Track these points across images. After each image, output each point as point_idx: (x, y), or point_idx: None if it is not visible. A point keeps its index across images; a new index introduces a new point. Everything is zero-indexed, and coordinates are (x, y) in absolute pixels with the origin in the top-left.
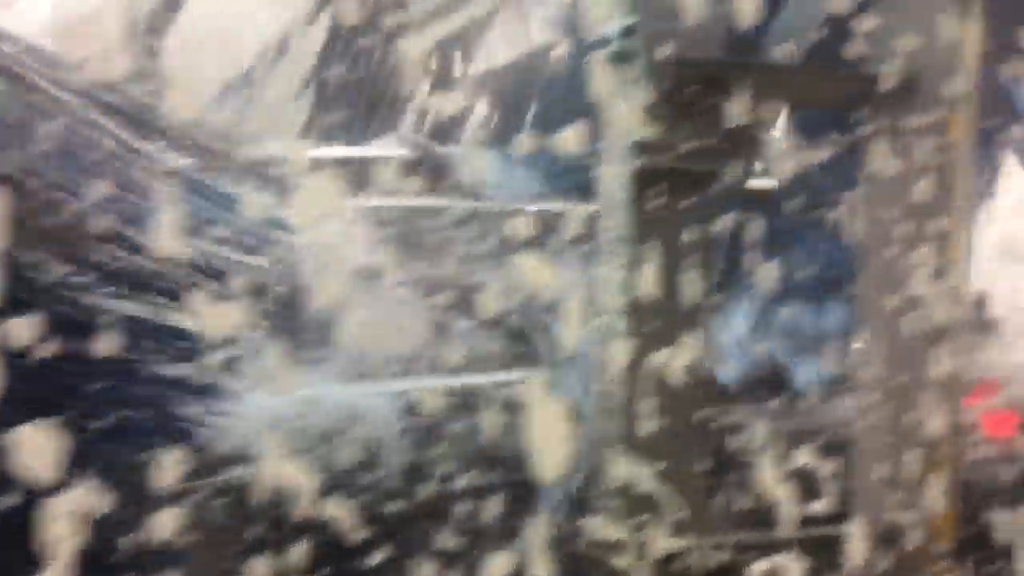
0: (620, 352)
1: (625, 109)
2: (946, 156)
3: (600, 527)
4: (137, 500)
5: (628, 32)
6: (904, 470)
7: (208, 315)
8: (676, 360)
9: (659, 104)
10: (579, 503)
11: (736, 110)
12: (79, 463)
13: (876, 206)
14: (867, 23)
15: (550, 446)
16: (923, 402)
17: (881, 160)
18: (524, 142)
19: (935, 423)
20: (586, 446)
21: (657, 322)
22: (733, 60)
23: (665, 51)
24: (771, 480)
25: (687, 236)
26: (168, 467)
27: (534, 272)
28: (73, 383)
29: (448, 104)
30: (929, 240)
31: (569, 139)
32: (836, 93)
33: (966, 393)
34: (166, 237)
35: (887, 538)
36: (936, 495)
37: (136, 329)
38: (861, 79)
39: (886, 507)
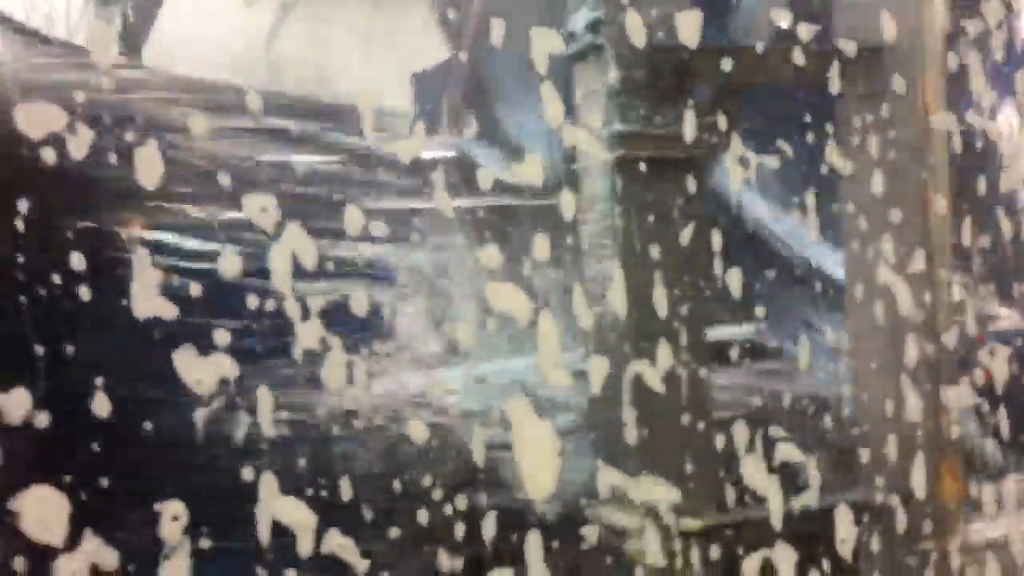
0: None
1: (598, 102)
2: (915, 139)
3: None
4: None
5: (594, 26)
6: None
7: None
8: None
9: (632, 94)
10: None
11: (708, 95)
12: None
13: (850, 199)
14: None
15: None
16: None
17: (849, 153)
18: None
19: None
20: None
21: (647, 317)
22: (702, 46)
23: (633, 41)
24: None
25: (673, 228)
26: None
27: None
28: None
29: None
30: (903, 228)
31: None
32: (803, 69)
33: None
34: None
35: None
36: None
37: None
38: (826, 55)
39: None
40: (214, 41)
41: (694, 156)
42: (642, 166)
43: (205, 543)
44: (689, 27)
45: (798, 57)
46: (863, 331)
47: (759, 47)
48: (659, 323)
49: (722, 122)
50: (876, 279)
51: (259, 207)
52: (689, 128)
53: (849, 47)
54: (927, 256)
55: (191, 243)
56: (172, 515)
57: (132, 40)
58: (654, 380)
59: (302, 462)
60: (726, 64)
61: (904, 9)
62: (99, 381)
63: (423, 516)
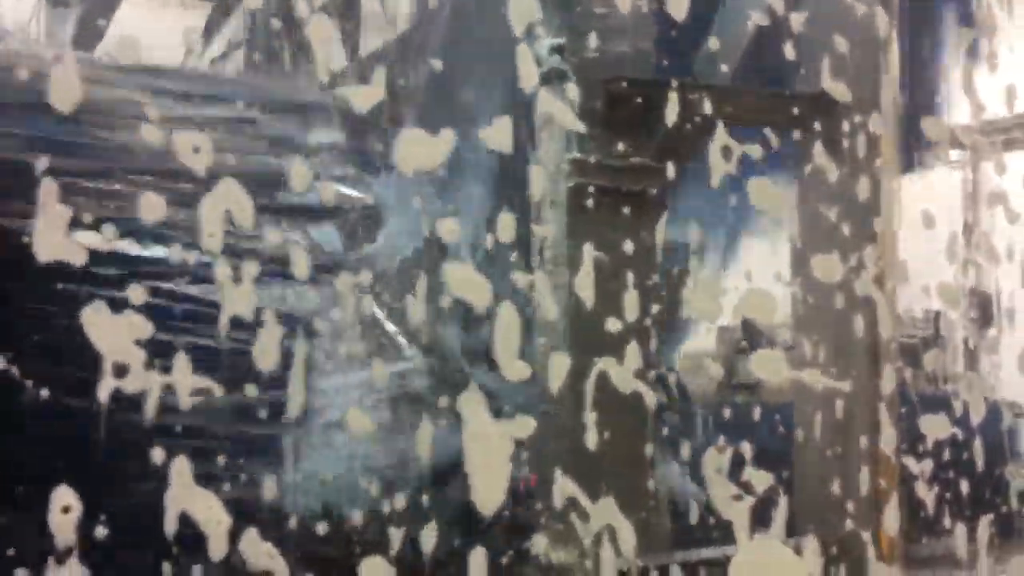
0: (562, 367)
1: (557, 128)
2: (873, 172)
3: (546, 549)
4: None
5: (558, 51)
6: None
7: None
8: (620, 372)
9: (591, 121)
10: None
11: (668, 128)
12: None
13: (808, 219)
14: (791, 44)
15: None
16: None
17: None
18: None
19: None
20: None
21: (599, 335)
22: (664, 79)
23: (596, 70)
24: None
25: (624, 249)
26: None
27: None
28: None
29: None
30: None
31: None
32: (765, 111)
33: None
34: None
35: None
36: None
37: None
38: (789, 98)
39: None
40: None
41: (648, 189)
42: (598, 193)
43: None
44: (648, 61)
45: (759, 98)
46: None
47: (719, 85)
48: None
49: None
50: None
51: (191, 146)
52: (647, 158)
53: (808, 93)
54: None
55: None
56: (63, 505)
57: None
58: None
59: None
60: (688, 98)
61: (862, 61)
62: None
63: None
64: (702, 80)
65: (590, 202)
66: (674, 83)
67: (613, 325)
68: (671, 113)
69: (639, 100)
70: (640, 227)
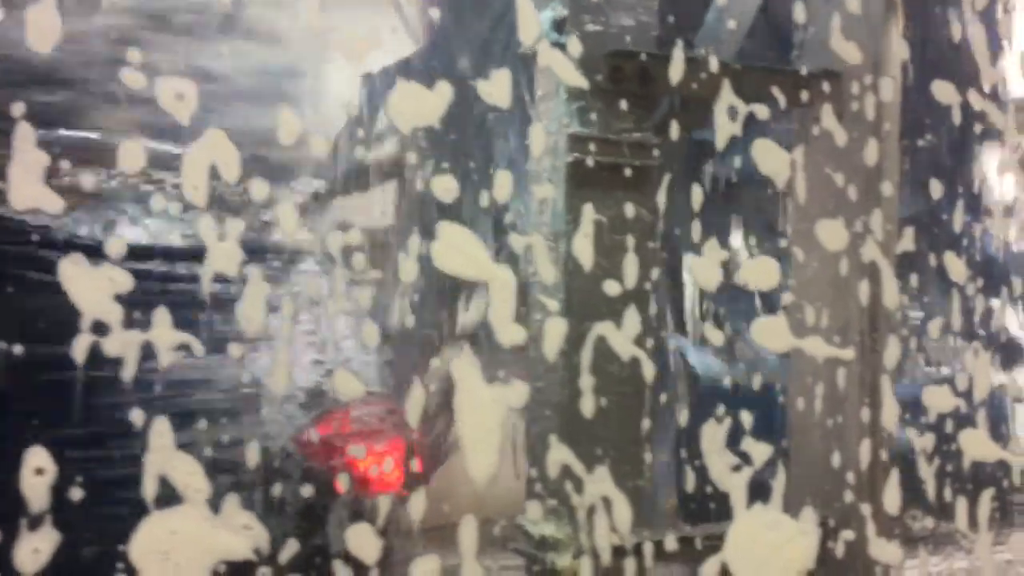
0: (557, 339)
1: (556, 102)
2: (873, 154)
3: (538, 524)
4: None
5: (559, 25)
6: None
7: None
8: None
9: (592, 96)
10: None
11: (668, 103)
12: None
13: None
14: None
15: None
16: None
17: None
18: None
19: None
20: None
21: (595, 309)
22: (665, 54)
23: (598, 44)
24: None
25: (622, 224)
26: None
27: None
28: None
29: None
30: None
31: None
32: (766, 89)
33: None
34: None
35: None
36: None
37: None
38: (792, 76)
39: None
40: None
41: (650, 165)
42: (598, 169)
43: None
44: (650, 34)
45: (762, 74)
46: None
47: (722, 61)
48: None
49: (675, 132)
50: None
51: (174, 93)
52: (649, 136)
53: (811, 69)
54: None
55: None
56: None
57: None
58: None
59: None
60: (689, 74)
61: (865, 37)
62: None
63: None
64: (708, 53)
65: (590, 175)
66: (677, 56)
67: (612, 288)
68: (671, 88)
69: (640, 73)
70: (640, 197)
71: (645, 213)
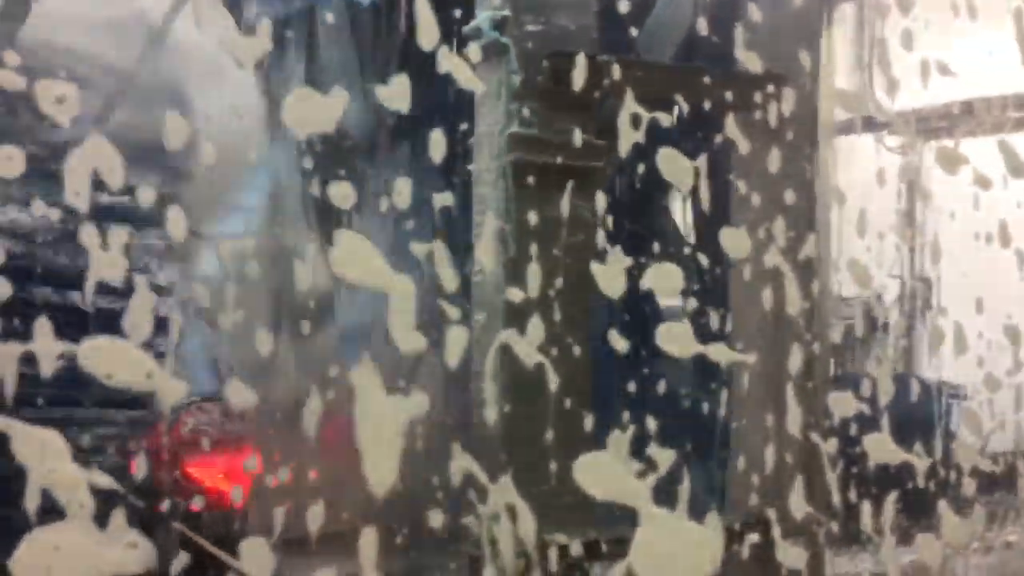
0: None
1: (497, 102)
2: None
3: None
4: None
5: (499, 25)
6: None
7: None
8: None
9: (532, 97)
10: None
11: (609, 105)
12: None
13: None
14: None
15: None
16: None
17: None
18: None
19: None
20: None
21: (533, 314)
22: (607, 56)
23: (538, 45)
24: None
25: (562, 226)
26: None
27: None
28: None
29: None
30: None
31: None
32: (704, 90)
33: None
34: None
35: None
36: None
37: None
38: (730, 77)
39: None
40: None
41: (589, 166)
42: (537, 170)
43: None
44: (590, 35)
45: (702, 75)
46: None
47: (663, 62)
48: None
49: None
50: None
51: (54, 96)
52: (586, 137)
53: (751, 70)
54: None
55: None
56: None
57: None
58: None
59: None
60: (629, 76)
61: (805, 39)
62: None
63: None
64: (645, 56)
65: (529, 178)
66: (616, 60)
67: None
68: (613, 90)
69: (577, 75)
70: (578, 200)
71: (587, 213)
